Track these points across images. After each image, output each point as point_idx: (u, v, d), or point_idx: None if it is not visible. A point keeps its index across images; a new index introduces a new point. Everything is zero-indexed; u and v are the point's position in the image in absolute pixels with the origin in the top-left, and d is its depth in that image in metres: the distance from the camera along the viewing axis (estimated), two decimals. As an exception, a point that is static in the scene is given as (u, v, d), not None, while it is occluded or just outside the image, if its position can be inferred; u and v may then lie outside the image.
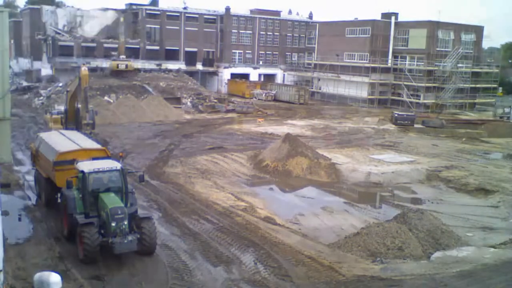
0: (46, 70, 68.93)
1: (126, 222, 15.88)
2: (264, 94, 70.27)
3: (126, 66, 60.79)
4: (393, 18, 70.69)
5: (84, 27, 74.25)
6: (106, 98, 50.25)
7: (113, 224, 15.67)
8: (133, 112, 48.09)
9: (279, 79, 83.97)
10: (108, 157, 19.56)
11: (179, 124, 46.74)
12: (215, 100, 59.12)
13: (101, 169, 17.14)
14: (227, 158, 32.68)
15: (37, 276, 13.17)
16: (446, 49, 65.78)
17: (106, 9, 76.08)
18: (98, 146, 21.75)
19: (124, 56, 64.59)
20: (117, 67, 60.04)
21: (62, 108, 35.51)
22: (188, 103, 56.45)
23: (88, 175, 16.77)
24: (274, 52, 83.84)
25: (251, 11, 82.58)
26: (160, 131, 42.37)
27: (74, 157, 18.81)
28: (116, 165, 17.60)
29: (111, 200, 16.34)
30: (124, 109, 48.16)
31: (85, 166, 17.24)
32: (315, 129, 46.58)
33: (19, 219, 19.66)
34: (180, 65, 74.69)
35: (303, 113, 57.73)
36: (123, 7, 78.48)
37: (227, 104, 59.00)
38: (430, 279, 15.23)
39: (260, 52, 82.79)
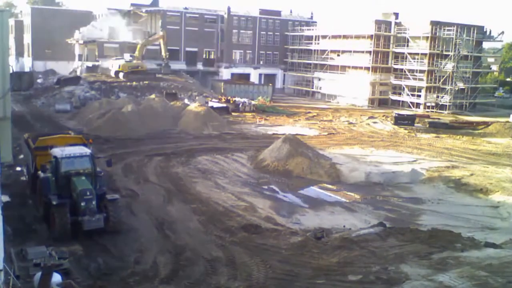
0: None
1: (94, 202, 17.49)
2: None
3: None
4: (393, 17, 70.61)
5: None
6: None
7: (83, 204, 17.25)
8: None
9: (279, 79, 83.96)
10: (83, 144, 20.71)
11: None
12: (216, 100, 58.90)
13: (72, 155, 18.64)
14: (227, 158, 32.70)
15: (38, 276, 13.18)
16: (447, 49, 65.60)
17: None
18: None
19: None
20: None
21: None
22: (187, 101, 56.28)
23: (60, 160, 18.30)
24: (275, 52, 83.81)
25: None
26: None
27: (53, 143, 20.16)
28: (86, 151, 19.12)
29: (81, 183, 17.85)
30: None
31: (58, 152, 18.70)
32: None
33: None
34: (180, 65, 74.59)
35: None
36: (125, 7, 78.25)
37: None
38: (431, 280, 15.20)
39: (261, 52, 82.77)
